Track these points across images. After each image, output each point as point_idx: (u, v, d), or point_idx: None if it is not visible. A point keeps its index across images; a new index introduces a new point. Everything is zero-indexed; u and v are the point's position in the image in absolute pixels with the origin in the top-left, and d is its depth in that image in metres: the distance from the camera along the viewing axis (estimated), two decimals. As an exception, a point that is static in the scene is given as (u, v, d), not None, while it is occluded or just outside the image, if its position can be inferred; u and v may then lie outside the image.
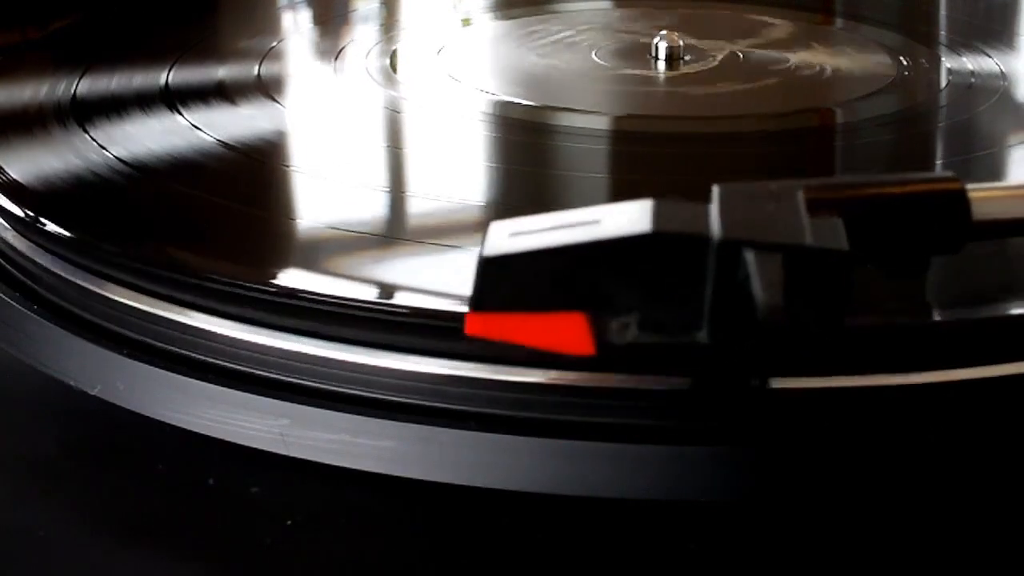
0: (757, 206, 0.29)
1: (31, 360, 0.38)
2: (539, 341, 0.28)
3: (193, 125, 0.47)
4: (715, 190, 0.30)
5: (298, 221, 0.41)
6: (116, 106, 0.49)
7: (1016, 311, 0.35)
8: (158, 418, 0.35)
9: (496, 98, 0.52)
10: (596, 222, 0.29)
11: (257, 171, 0.45)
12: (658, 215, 0.28)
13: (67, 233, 0.39)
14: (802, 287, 0.27)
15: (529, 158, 0.49)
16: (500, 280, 0.28)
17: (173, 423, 0.35)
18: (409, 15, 0.67)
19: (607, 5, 0.73)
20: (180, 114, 0.48)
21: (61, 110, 0.49)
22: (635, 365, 0.32)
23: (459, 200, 0.42)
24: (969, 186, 0.32)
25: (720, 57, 0.58)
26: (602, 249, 0.28)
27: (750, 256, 0.27)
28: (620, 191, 0.45)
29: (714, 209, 0.29)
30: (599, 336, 0.28)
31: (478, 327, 0.29)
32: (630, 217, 0.28)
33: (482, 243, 0.29)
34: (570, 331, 0.28)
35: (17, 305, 0.39)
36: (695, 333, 0.28)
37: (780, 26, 0.63)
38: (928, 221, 0.31)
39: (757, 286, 0.27)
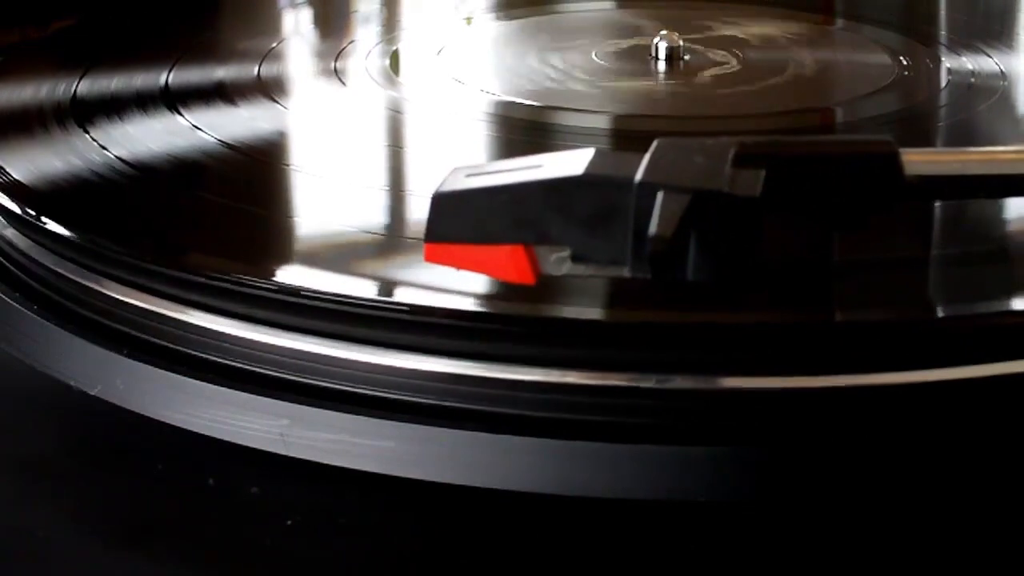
0: (686, 157, 0.31)
1: (31, 360, 0.38)
2: (486, 270, 0.32)
3: (193, 125, 0.47)
4: (654, 143, 0.32)
5: (298, 220, 0.41)
6: (116, 106, 0.49)
7: (1016, 310, 0.35)
8: (158, 418, 0.35)
9: (497, 98, 0.52)
10: (540, 166, 0.32)
11: (257, 171, 0.45)
12: (593, 161, 0.31)
13: (67, 232, 0.39)
14: (705, 228, 0.30)
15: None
16: (450, 214, 0.32)
17: (173, 423, 0.35)
18: (410, 15, 0.67)
19: (607, 5, 0.73)
20: (180, 114, 0.48)
21: (61, 110, 0.49)
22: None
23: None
24: (903, 149, 0.33)
25: (720, 57, 0.58)
26: (539, 189, 0.31)
27: (660, 195, 0.30)
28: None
29: (646, 158, 0.31)
30: (537, 267, 0.31)
31: (433, 256, 0.32)
32: (569, 162, 0.31)
33: (441, 183, 0.32)
34: (511, 262, 0.31)
35: (17, 305, 0.39)
36: (621, 267, 0.31)
37: (780, 26, 0.63)
38: (861, 178, 0.33)
39: (654, 220, 0.29)
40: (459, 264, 0.32)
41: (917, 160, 0.33)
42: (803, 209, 0.32)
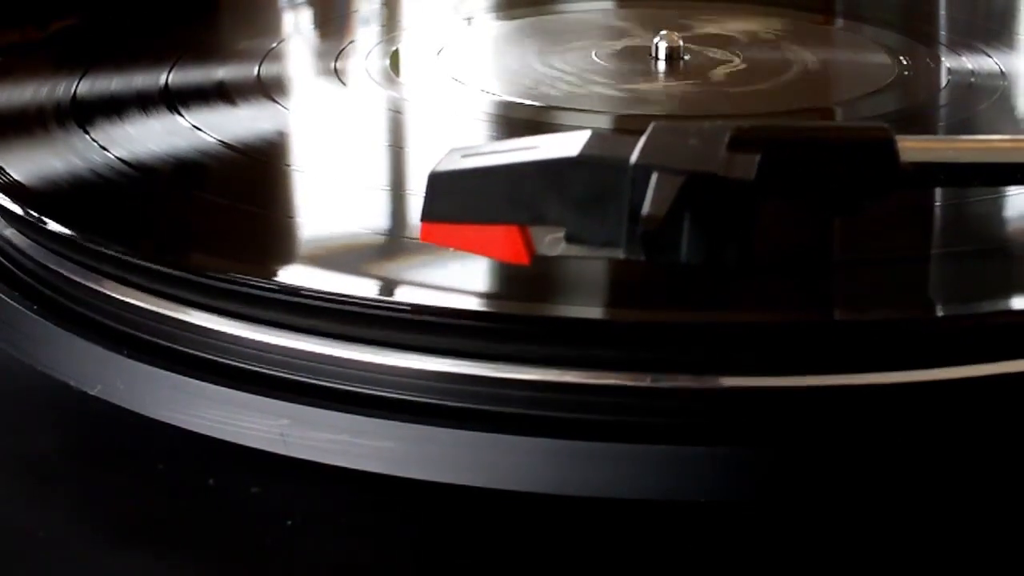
0: (681, 140, 0.32)
1: (31, 360, 0.38)
2: (481, 250, 0.32)
3: (193, 126, 0.47)
4: (650, 126, 0.32)
5: (298, 220, 0.41)
6: (116, 107, 0.49)
7: (1016, 309, 0.35)
8: (158, 418, 0.35)
9: (497, 98, 0.52)
10: (536, 147, 0.32)
11: (257, 171, 0.45)
12: (588, 143, 0.31)
13: (68, 232, 0.39)
14: (696, 211, 0.30)
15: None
16: (445, 195, 0.32)
17: (173, 423, 0.35)
18: (410, 15, 0.67)
19: (607, 5, 0.73)
20: (180, 115, 0.48)
21: (61, 110, 0.49)
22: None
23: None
24: (899, 136, 0.33)
25: (720, 57, 0.58)
26: (535, 169, 0.31)
27: (654, 177, 0.30)
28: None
29: (642, 140, 0.31)
30: (532, 248, 0.31)
31: (429, 236, 0.32)
32: (565, 144, 0.32)
33: (438, 162, 0.32)
34: (506, 242, 0.31)
35: (17, 305, 0.39)
36: (615, 248, 0.31)
37: (780, 26, 0.63)
38: (856, 164, 0.33)
39: (647, 200, 0.29)
40: (455, 244, 0.32)
41: (913, 147, 0.33)
42: (798, 194, 0.32)
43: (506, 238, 0.31)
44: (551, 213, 0.31)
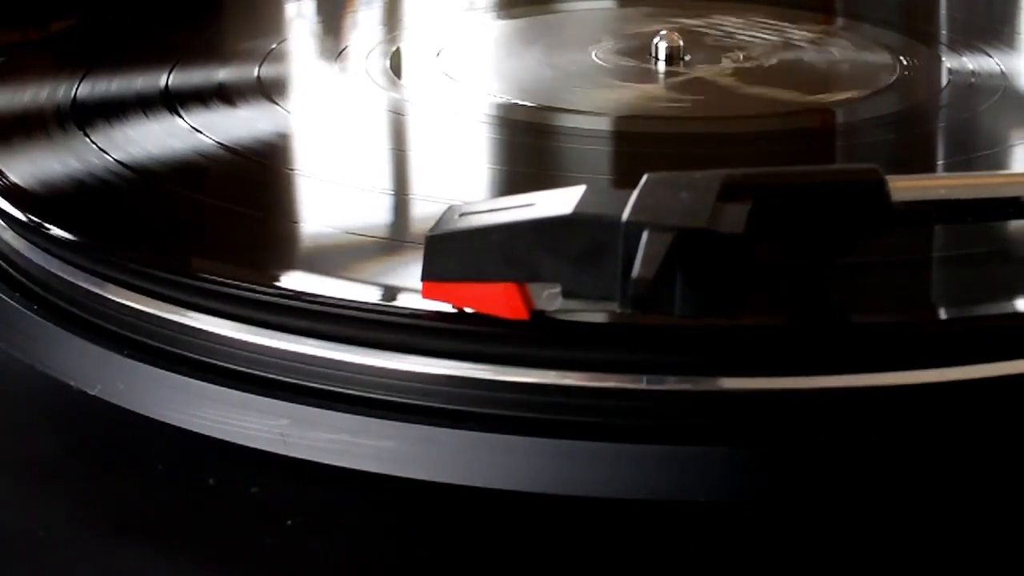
0: (673, 193, 0.32)
1: (31, 360, 0.38)
2: (481, 307, 0.33)
3: (193, 128, 0.47)
4: (643, 178, 0.33)
5: (298, 223, 0.41)
6: (116, 109, 0.49)
7: (1016, 310, 0.35)
8: (158, 418, 0.35)
9: (497, 99, 0.52)
10: (532, 205, 0.32)
11: (257, 173, 0.45)
12: (582, 199, 0.32)
13: (68, 235, 0.39)
14: (687, 266, 0.30)
15: (530, 159, 0.49)
16: (444, 254, 0.33)
17: (173, 423, 0.35)
18: (410, 16, 0.67)
19: (607, 5, 0.73)
20: (180, 117, 0.48)
21: (61, 113, 0.49)
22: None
23: (460, 201, 0.42)
24: (890, 176, 0.34)
25: (720, 57, 0.58)
26: (529, 228, 0.32)
27: (644, 235, 0.30)
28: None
29: (634, 195, 0.32)
30: (531, 304, 0.32)
31: (430, 294, 0.33)
32: (560, 201, 0.32)
33: (435, 223, 0.33)
34: (505, 299, 0.32)
35: (17, 305, 0.39)
36: (611, 302, 0.31)
37: (780, 26, 0.63)
38: (848, 207, 0.33)
39: (637, 260, 0.30)
40: (455, 301, 0.33)
41: (904, 186, 0.34)
42: (791, 239, 0.33)
43: (504, 295, 0.32)
44: (547, 270, 0.32)
